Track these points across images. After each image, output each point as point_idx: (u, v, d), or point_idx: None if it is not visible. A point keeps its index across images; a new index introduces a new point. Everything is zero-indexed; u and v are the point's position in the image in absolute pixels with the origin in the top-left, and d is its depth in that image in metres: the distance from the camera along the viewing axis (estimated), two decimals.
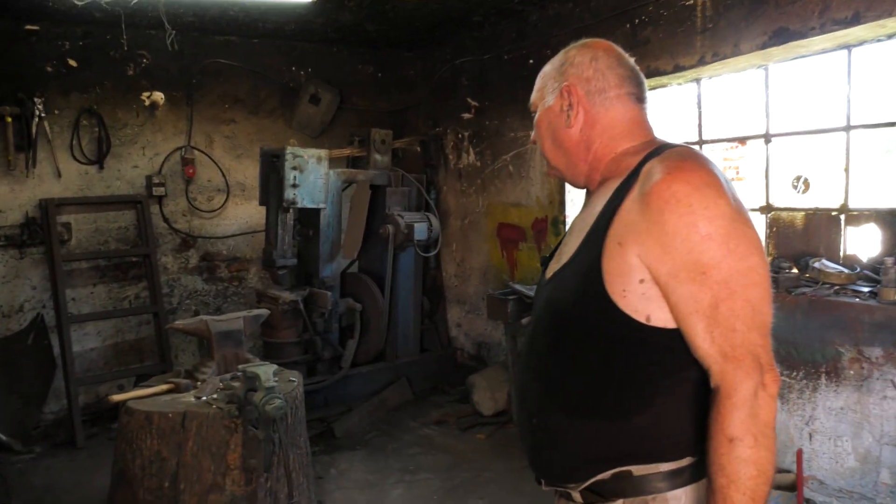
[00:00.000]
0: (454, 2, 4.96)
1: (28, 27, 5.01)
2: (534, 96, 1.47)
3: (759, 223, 4.03)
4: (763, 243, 1.29)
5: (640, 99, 1.41)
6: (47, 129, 5.00)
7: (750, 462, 1.11)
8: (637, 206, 1.20)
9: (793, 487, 3.40)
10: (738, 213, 1.16)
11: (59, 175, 5.10)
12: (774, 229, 3.94)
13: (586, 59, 1.37)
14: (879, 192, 3.62)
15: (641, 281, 1.18)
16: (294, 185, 4.62)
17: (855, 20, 3.27)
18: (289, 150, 4.61)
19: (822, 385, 3.40)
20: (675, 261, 1.14)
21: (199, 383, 3.28)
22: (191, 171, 5.56)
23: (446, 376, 5.70)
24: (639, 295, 1.18)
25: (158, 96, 5.41)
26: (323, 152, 4.83)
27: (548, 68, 1.45)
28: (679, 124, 4.53)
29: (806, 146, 3.86)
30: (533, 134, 1.50)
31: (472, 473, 3.96)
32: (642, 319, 1.19)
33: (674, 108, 4.58)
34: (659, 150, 1.29)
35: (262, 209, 5.68)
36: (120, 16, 4.73)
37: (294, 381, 3.29)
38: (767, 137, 3.98)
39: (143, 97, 5.39)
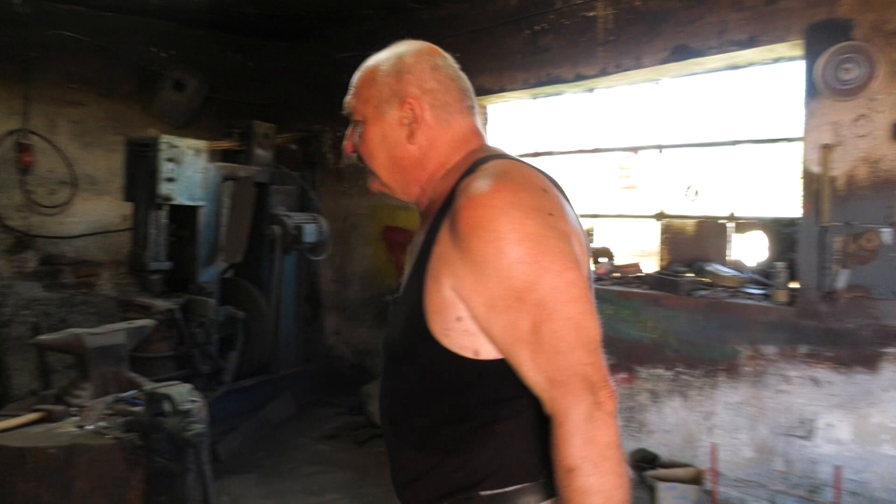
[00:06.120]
0: None
1: None
2: (354, 102, 1.31)
3: (653, 229, 4.25)
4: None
5: (475, 111, 1.35)
6: None
7: (592, 491, 1.03)
8: (448, 235, 1.13)
9: (696, 480, 3.58)
10: (551, 229, 1.09)
11: None
12: (667, 235, 4.17)
13: (426, 67, 1.27)
14: (762, 203, 3.95)
15: (459, 319, 1.12)
16: (170, 180, 4.08)
17: (750, 43, 3.54)
18: (165, 139, 4.06)
19: (720, 382, 3.62)
20: (489, 291, 1.08)
21: (76, 409, 2.74)
22: (28, 158, 4.74)
23: (329, 388, 5.38)
24: (461, 332, 1.12)
25: None
26: (202, 144, 4.32)
27: (377, 73, 1.29)
28: (574, 132, 4.66)
29: (695, 157, 4.13)
30: (349, 143, 1.34)
31: (382, 489, 3.72)
32: (470, 355, 1.13)
33: (569, 115, 4.70)
34: (474, 166, 1.20)
35: (116, 206, 5.04)
36: None
37: (197, 400, 2.87)
38: (660, 148, 4.21)
39: None
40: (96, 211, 5.10)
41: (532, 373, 1.07)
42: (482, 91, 4.81)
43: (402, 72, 1.26)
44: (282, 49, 6.12)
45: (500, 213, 1.06)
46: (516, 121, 5.06)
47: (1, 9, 4.43)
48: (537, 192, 1.12)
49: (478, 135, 1.32)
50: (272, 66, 6.13)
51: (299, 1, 4.92)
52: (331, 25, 5.58)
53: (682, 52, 3.79)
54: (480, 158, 1.21)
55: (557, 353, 1.05)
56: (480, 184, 1.11)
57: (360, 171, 5.83)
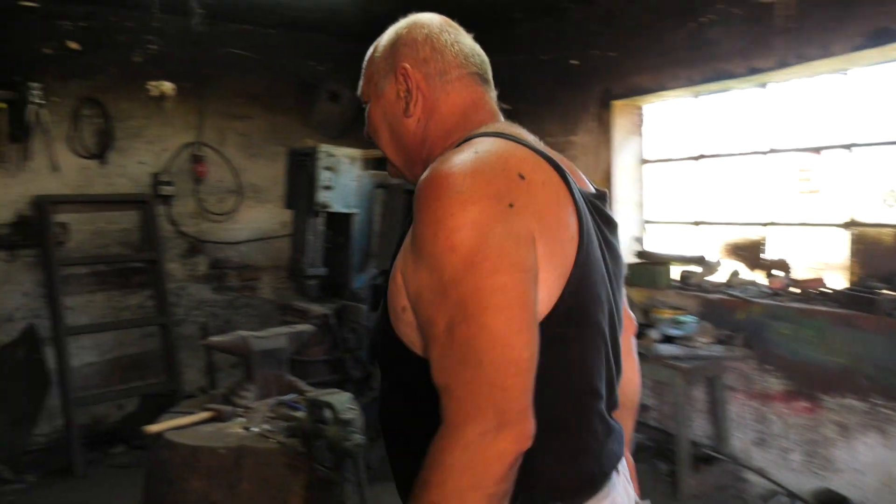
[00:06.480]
0: None
1: (25, 3, 4.50)
2: (362, 85, 1.28)
3: (841, 239, 3.76)
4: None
5: (484, 79, 1.24)
6: (44, 117, 4.48)
7: None
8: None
9: None
10: (501, 222, 0.91)
11: (57, 169, 4.58)
12: (859, 246, 3.67)
13: (420, 36, 1.20)
14: None
15: (403, 309, 1.00)
16: (327, 188, 4.19)
17: None
18: (322, 148, 4.18)
19: None
20: (420, 279, 0.95)
21: (242, 410, 2.83)
22: (202, 169, 5.09)
23: None
24: (406, 324, 1.01)
25: (168, 87, 4.92)
26: (356, 152, 4.41)
27: (376, 51, 1.25)
28: (743, 131, 4.25)
29: (893, 157, 3.60)
30: (366, 128, 1.29)
31: None
32: (419, 352, 0.99)
33: (737, 114, 4.30)
34: (462, 142, 1.08)
35: (277, 213, 5.29)
36: None
37: (356, 409, 2.87)
38: (849, 147, 3.72)
39: (151, 86, 4.89)
40: (258, 218, 5.39)
41: (436, 374, 0.92)
42: (639, 90, 4.54)
43: (396, 44, 1.21)
44: None
45: (446, 194, 0.92)
46: (675, 121, 4.72)
47: (182, 30, 4.79)
48: (506, 177, 0.96)
49: (482, 107, 1.20)
50: None
51: (448, 9, 4.91)
52: (478, 33, 5.52)
53: (882, 36, 3.32)
54: (473, 135, 1.08)
55: (464, 361, 0.88)
56: (443, 161, 0.98)
57: None
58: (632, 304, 4.36)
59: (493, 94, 1.25)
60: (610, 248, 1.14)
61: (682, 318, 3.95)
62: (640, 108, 4.87)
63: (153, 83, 4.89)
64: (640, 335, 3.99)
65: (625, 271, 1.23)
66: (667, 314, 4.05)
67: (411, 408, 1.06)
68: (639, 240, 4.85)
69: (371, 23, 5.25)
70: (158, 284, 4.78)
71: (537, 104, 5.31)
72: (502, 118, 1.22)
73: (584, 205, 1.05)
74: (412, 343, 1.01)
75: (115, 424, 4.68)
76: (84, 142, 4.71)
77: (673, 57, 4.28)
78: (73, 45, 4.66)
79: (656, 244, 4.82)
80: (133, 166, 4.89)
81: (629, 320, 1.35)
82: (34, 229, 4.44)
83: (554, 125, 5.17)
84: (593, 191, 1.19)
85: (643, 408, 4.51)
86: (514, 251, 0.91)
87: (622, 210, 4.79)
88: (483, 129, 1.12)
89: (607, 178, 4.76)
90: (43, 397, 4.37)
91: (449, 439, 0.88)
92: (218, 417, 2.77)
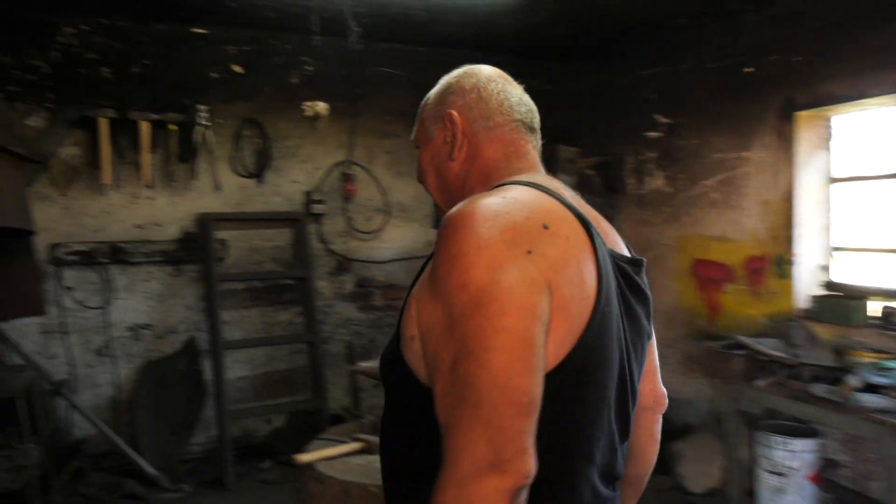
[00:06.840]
0: (664, 2, 4.26)
1: (196, 30, 4.75)
2: (416, 131, 1.33)
3: None
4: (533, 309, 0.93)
5: (530, 128, 1.27)
6: (209, 138, 4.68)
7: None
8: None
9: None
10: (516, 267, 0.92)
11: (219, 188, 4.77)
12: None
13: (468, 85, 1.25)
14: None
15: (412, 338, 1.01)
16: None
17: None
18: None
19: None
20: (432, 313, 0.95)
21: None
22: (351, 188, 5.12)
23: None
24: (413, 353, 1.01)
25: (322, 107, 5.01)
26: None
27: (428, 99, 1.31)
28: None
29: None
30: (417, 172, 1.35)
31: None
32: (423, 379, 1.00)
33: None
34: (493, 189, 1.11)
35: (422, 233, 5.27)
36: (293, 16, 4.38)
37: None
38: None
39: (306, 107, 5.00)
40: (403, 237, 5.34)
41: (438, 410, 0.91)
42: (830, 99, 3.98)
43: (446, 92, 1.27)
44: (580, 70, 5.88)
45: (465, 233, 0.94)
46: (873, 133, 4.10)
47: (337, 50, 4.86)
48: (528, 225, 0.97)
49: (524, 156, 1.23)
50: (571, 89, 5.92)
51: (609, 16, 4.61)
52: (634, 41, 5.18)
53: None
54: (508, 181, 1.12)
55: (463, 400, 0.88)
56: (470, 201, 0.99)
57: (664, 199, 5.27)
58: (817, 342, 3.81)
59: (538, 143, 1.28)
60: (632, 318, 1.12)
61: (890, 363, 3.36)
62: (828, 120, 4.28)
63: (308, 103, 5.00)
64: (834, 381, 3.46)
65: (650, 344, 1.20)
66: (867, 358, 3.47)
67: (408, 431, 1.09)
68: (825, 269, 4.25)
69: (523, 35, 5.10)
70: (307, 302, 4.83)
71: (702, 117, 4.86)
72: (543, 170, 1.25)
73: (611, 267, 1.05)
74: (417, 371, 1.02)
75: (263, 439, 4.77)
76: (244, 161, 4.88)
77: (875, 59, 3.71)
78: (237, 69, 4.86)
79: (848, 274, 4.20)
80: (287, 185, 5.00)
81: (661, 397, 1.34)
82: (197, 245, 4.64)
83: (722, 140, 4.69)
84: (628, 256, 1.18)
85: (831, 463, 3.91)
86: (525, 295, 0.91)
87: (805, 235, 4.22)
88: (520, 178, 1.14)
89: (788, 199, 4.22)
90: (200, 408, 4.52)
91: (445, 477, 0.87)
92: (367, 449, 2.64)
